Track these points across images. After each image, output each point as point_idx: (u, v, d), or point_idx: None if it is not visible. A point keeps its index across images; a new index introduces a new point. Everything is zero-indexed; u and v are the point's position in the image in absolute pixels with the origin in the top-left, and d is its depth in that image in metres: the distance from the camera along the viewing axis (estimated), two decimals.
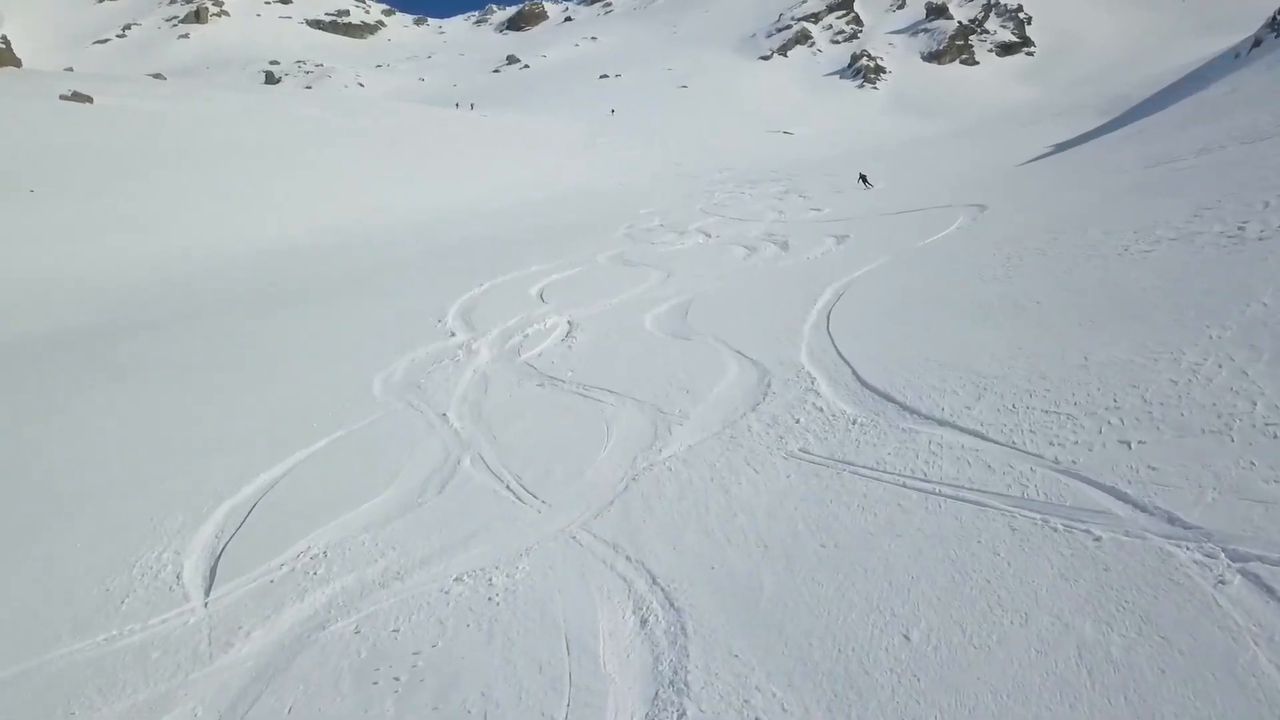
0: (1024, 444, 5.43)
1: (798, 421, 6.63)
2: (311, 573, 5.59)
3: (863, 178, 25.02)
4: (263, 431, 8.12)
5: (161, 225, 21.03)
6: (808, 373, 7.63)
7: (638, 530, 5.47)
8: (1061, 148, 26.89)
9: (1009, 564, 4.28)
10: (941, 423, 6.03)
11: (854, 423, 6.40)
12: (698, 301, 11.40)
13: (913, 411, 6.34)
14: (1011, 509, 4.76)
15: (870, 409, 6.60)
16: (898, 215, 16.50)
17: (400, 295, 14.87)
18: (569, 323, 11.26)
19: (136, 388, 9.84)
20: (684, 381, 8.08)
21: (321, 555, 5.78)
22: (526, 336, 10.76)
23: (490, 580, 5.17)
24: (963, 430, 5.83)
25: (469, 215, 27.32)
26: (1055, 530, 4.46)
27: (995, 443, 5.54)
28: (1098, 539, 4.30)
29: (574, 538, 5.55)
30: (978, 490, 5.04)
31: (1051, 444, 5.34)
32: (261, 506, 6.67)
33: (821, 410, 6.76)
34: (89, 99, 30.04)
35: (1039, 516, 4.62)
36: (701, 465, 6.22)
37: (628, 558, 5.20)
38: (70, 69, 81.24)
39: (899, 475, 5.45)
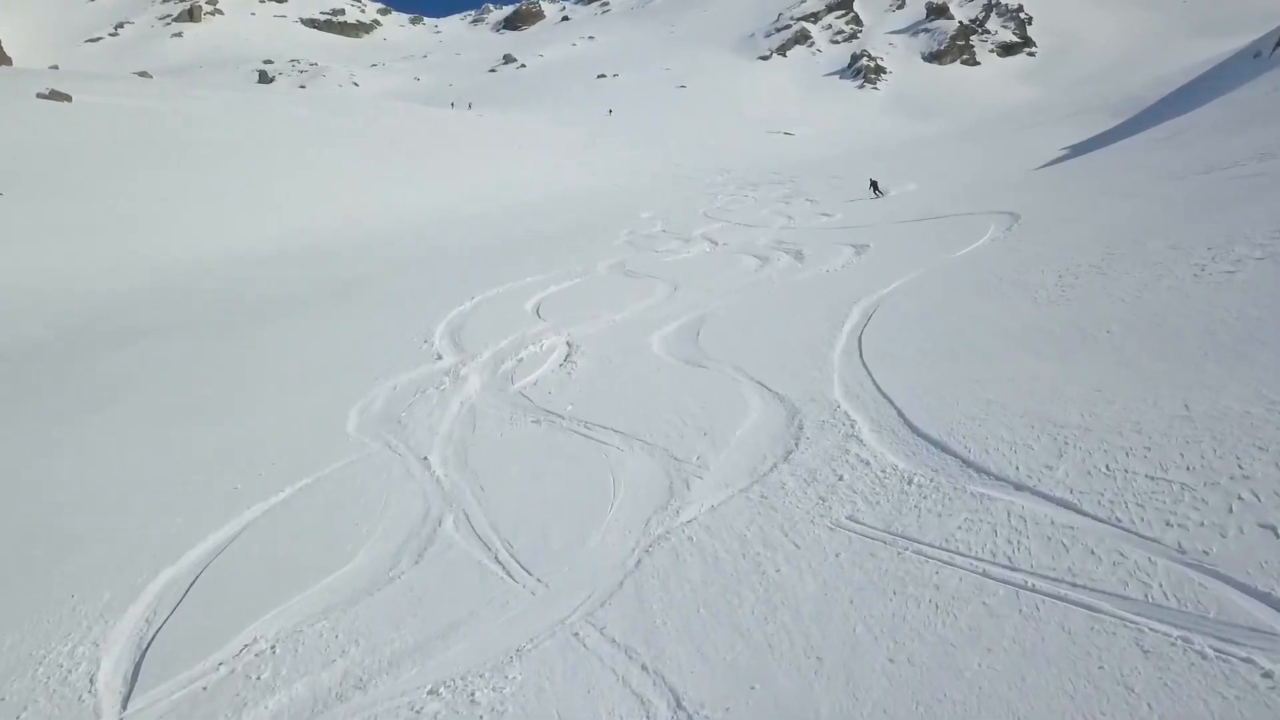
0: (1133, 523, 4.40)
1: (840, 478, 5.60)
2: (255, 676, 4.56)
3: (873, 185, 23.44)
4: (216, 479, 7.07)
5: (136, 229, 19.94)
6: (845, 413, 6.61)
7: (656, 627, 4.44)
8: (1079, 150, 25.90)
9: (1150, 708, 3.25)
10: (1019, 487, 5.01)
11: (909, 482, 5.37)
12: (709, 320, 10.37)
13: (979, 470, 5.32)
14: (1136, 618, 3.73)
15: (927, 464, 5.57)
16: (917, 223, 15.49)
17: (385, 309, 13.82)
18: (568, 344, 10.22)
19: (79, 423, 8.78)
20: (700, 420, 7.05)
21: (269, 651, 4.75)
22: (521, 360, 9.72)
23: (473, 696, 4.14)
24: (1049, 499, 4.81)
25: (463, 217, 26.26)
26: (1204, 657, 3.43)
27: (1095, 519, 4.52)
28: (1267, 674, 3.28)
29: (577, 634, 4.52)
30: (1084, 587, 4.02)
31: (1169, 524, 4.31)
32: (206, 579, 5.63)
33: (868, 464, 5.73)
34: (67, 97, 28.90)
35: (1176, 633, 3.59)
36: (729, 535, 5.19)
37: (644, 667, 4.17)
38: (56, 67, 79.91)
39: (977, 560, 4.43)
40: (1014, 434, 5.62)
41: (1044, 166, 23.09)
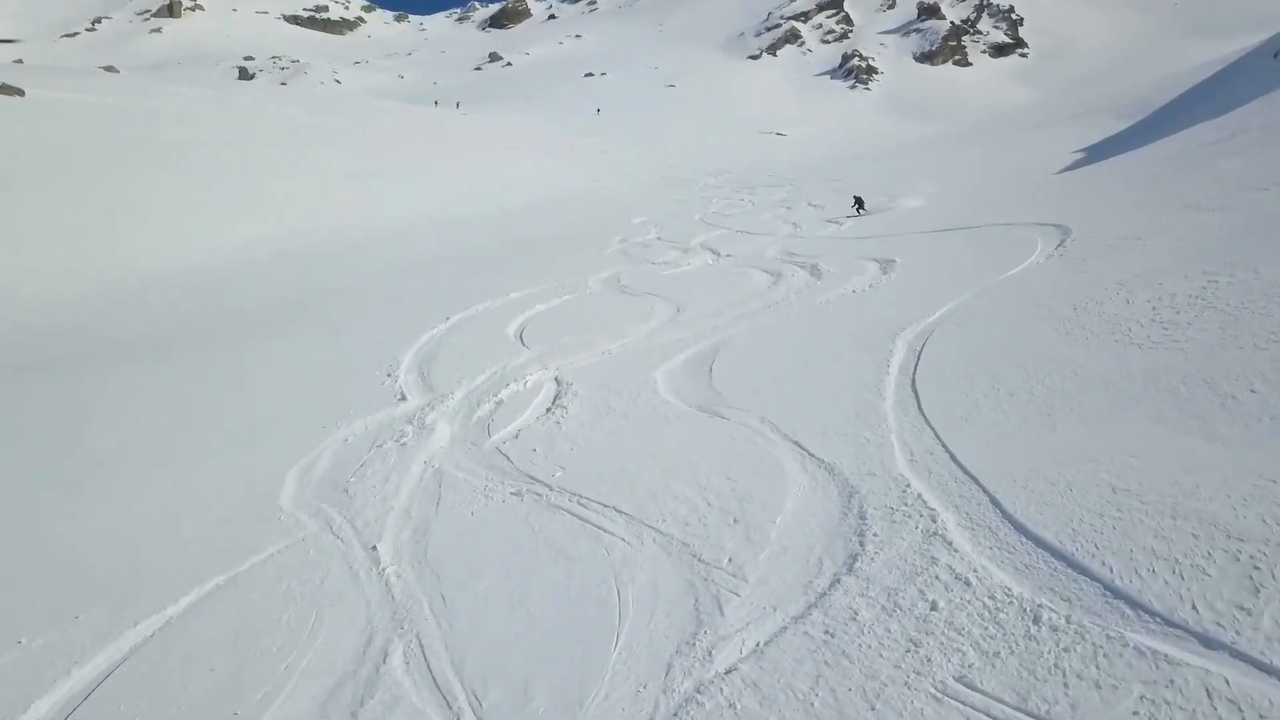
0: None
1: (934, 607, 4.07)
2: None
3: (858, 202, 20.67)
4: (92, 589, 5.43)
5: (79, 236, 18.18)
6: (919, 497, 5.08)
7: None
8: (1098, 153, 24.55)
9: None
10: (1209, 642, 3.48)
11: (1036, 619, 3.85)
12: (723, 352, 8.82)
13: (1136, 605, 3.79)
14: None
15: (1053, 588, 4.05)
16: (945, 234, 14.01)
17: (348, 331, 12.17)
18: (556, 380, 8.66)
19: None
20: (728, 499, 5.51)
21: None
22: (500, 404, 8.14)
23: None
24: (1266, 671, 3.29)
25: (442, 224, 24.58)
26: None
27: None
28: None
29: None
30: None
31: None
32: None
33: (968, 584, 4.20)
34: (19, 91, 27.02)
35: None
36: (790, 704, 3.64)
37: None
38: (20, 61, 77.38)
39: None
40: (1171, 546, 4.10)
41: (1065, 170, 21.70)
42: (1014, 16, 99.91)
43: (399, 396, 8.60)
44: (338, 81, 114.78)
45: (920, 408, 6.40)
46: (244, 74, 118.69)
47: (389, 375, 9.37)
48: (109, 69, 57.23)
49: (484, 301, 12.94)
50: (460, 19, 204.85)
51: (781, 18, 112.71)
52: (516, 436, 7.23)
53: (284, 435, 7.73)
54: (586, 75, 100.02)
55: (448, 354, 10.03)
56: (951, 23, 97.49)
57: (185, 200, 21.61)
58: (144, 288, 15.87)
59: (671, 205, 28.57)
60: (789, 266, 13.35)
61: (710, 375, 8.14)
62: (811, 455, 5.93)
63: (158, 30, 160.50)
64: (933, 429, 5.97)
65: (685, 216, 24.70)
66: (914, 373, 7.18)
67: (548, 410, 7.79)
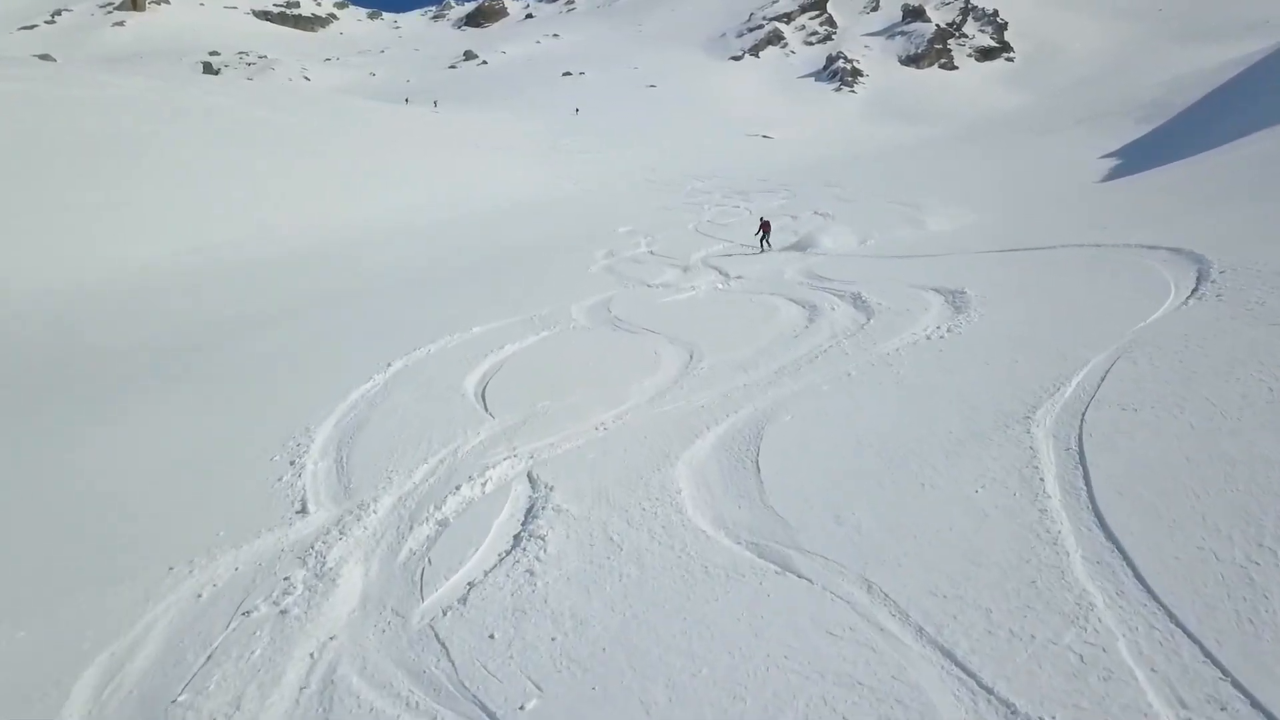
0: None
1: None
2: None
3: (763, 230, 16.58)
4: None
5: None
6: None
7: None
8: (1139, 157, 22.27)
9: None
10: None
11: None
12: (771, 435, 6.17)
13: None
14: None
15: None
16: (1011, 256, 11.49)
17: (247, 388, 9.31)
18: (530, 479, 5.96)
19: None
20: None
21: None
22: (444, 526, 5.42)
23: None
24: None
25: (404, 233, 21.72)
26: None
27: None
28: None
29: None
30: None
31: None
32: None
33: None
34: None
35: None
36: None
37: None
38: None
39: None
40: None
41: (1111, 178, 19.32)
42: (999, 20, 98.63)
43: (297, 506, 5.85)
44: (306, 79, 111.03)
45: (1142, 579, 3.78)
46: (208, 69, 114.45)
47: (292, 463, 6.61)
48: (44, 57, 53.46)
49: (440, 338, 10.19)
50: (435, 17, 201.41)
51: (764, 19, 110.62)
52: (464, 600, 4.52)
53: (95, 595, 4.94)
54: (564, 75, 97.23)
55: (380, 426, 7.28)
56: (937, 26, 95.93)
57: (98, 206, 18.58)
58: (8, 316, 12.89)
59: (659, 213, 25.92)
60: (823, 296, 10.73)
61: (759, 479, 5.48)
62: (989, 695, 3.27)
63: (120, 24, 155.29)
64: (1195, 640, 3.34)
65: (677, 226, 22.07)
66: (1092, 499, 4.56)
67: (515, 544, 5.08)
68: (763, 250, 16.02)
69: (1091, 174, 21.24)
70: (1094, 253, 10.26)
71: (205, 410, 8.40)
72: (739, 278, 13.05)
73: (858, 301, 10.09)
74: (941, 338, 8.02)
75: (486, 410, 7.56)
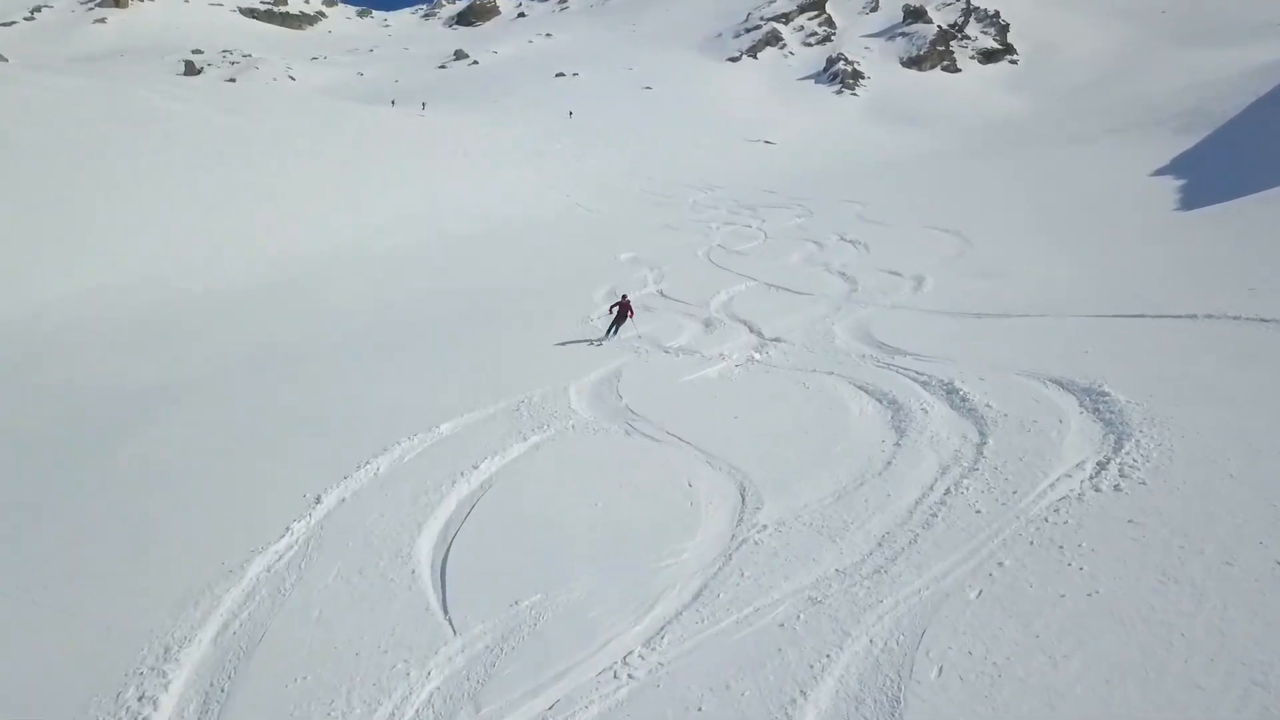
0: None
1: None
2: None
3: (617, 315, 11.36)
4: None
5: None
6: None
7: None
8: (1203, 182, 19.76)
9: None
10: None
11: None
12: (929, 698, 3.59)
13: None
14: None
15: None
16: (1136, 324, 8.95)
17: (84, 561, 6.54)
18: None
19: None
20: None
21: None
22: None
23: None
24: None
25: (369, 262, 19.03)
26: None
27: None
28: None
29: None
30: None
31: None
32: None
33: None
34: None
35: None
36: None
37: None
38: None
39: None
40: None
41: (1194, 207, 16.81)
42: (1001, 22, 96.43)
43: None
44: (291, 78, 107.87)
45: None
46: (190, 69, 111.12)
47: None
48: None
49: (394, 444, 7.58)
50: (426, 15, 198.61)
51: (761, 19, 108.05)
52: None
53: None
54: (557, 75, 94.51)
55: (280, 657, 4.65)
56: (939, 27, 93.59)
57: None
58: None
59: (663, 233, 23.32)
60: (901, 383, 8.14)
61: None
62: None
63: (101, 20, 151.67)
64: None
65: (685, 252, 19.48)
66: None
67: None
68: (608, 336, 11.23)
69: (1160, 197, 18.74)
70: (1261, 331, 7.73)
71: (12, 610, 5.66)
72: (777, 340, 10.46)
73: (955, 398, 7.51)
74: (1118, 489, 5.45)
75: (445, 613, 4.96)
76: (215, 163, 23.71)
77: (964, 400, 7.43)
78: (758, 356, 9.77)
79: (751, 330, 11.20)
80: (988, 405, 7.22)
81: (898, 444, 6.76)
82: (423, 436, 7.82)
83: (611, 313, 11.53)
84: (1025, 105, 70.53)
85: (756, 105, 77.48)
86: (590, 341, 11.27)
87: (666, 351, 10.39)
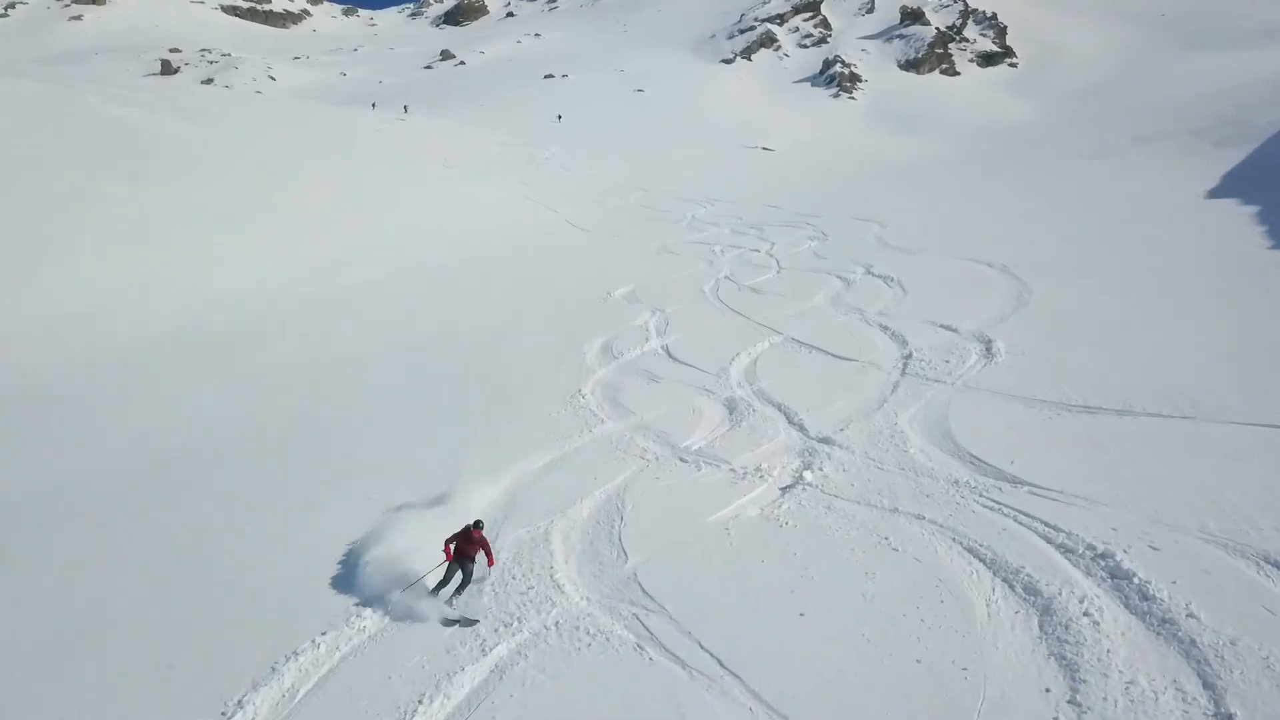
0: None
1: None
2: None
3: (455, 551, 6.34)
4: None
5: None
6: None
7: None
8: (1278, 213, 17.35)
9: None
10: None
11: None
12: None
13: None
14: None
15: None
16: None
17: None
18: None
19: None
20: None
21: None
22: None
23: None
24: None
25: (316, 306, 16.29)
26: None
27: None
28: None
29: None
30: None
31: None
32: None
33: None
34: None
35: None
36: None
37: None
38: None
39: None
40: None
41: None
42: (1000, 24, 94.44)
43: None
44: (272, 78, 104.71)
45: None
46: (167, 68, 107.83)
47: None
48: None
49: (279, 670, 4.97)
50: (414, 14, 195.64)
51: (755, 20, 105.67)
52: None
53: None
54: (546, 77, 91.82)
55: None
56: (937, 29, 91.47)
57: None
58: None
59: (662, 260, 20.76)
60: (1032, 546, 5.60)
61: None
62: None
63: (77, 17, 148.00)
64: None
65: (689, 286, 16.94)
66: None
67: None
68: (444, 581, 6.25)
69: (1236, 227, 16.34)
70: None
71: None
72: (828, 443, 7.89)
73: (1128, 590, 4.96)
74: None
75: None
76: (157, 181, 20.91)
77: (1146, 598, 4.90)
78: (809, 477, 7.19)
79: (791, 421, 8.63)
80: (1190, 615, 4.69)
81: (1073, 700, 4.20)
82: (331, 653, 5.21)
83: (449, 554, 6.15)
84: (1031, 110, 68.45)
85: (752, 109, 75.10)
86: (579, 435, 8.71)
87: (684, 460, 7.80)
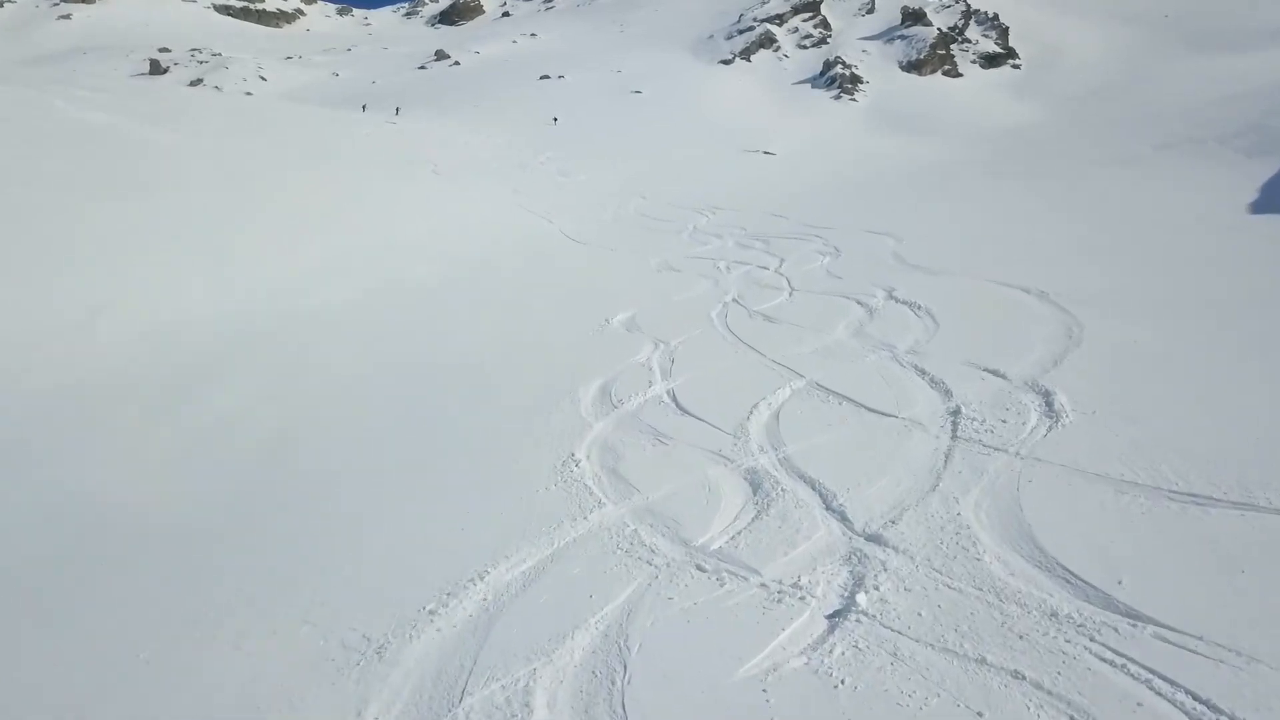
0: None
1: None
2: None
3: None
4: None
5: None
6: None
7: None
8: None
9: None
10: None
11: None
12: None
13: None
14: None
15: None
16: None
17: None
18: None
19: None
20: None
21: None
22: None
23: None
24: None
25: (275, 338, 14.74)
26: None
27: None
28: None
29: None
30: None
31: None
32: None
33: None
34: None
35: None
36: None
37: None
38: None
39: None
40: None
41: None
42: (1002, 25, 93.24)
43: None
44: (263, 78, 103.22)
45: None
46: (156, 67, 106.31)
47: None
48: None
49: None
50: (409, 14, 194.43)
51: (754, 20, 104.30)
52: None
53: None
54: (542, 78, 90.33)
55: None
56: (939, 30, 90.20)
57: None
58: None
59: (664, 279, 19.32)
60: None
61: None
62: None
63: (66, 16, 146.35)
64: None
65: (694, 311, 15.50)
66: None
67: None
68: None
69: None
70: None
71: None
72: (878, 542, 6.38)
73: None
74: None
75: None
76: (120, 194, 19.35)
77: None
78: (863, 601, 5.66)
79: (829, 507, 7.12)
80: None
81: None
82: None
83: None
84: (1036, 112, 67.17)
85: (752, 111, 73.74)
86: (575, 511, 7.23)
87: (702, 569, 6.28)
